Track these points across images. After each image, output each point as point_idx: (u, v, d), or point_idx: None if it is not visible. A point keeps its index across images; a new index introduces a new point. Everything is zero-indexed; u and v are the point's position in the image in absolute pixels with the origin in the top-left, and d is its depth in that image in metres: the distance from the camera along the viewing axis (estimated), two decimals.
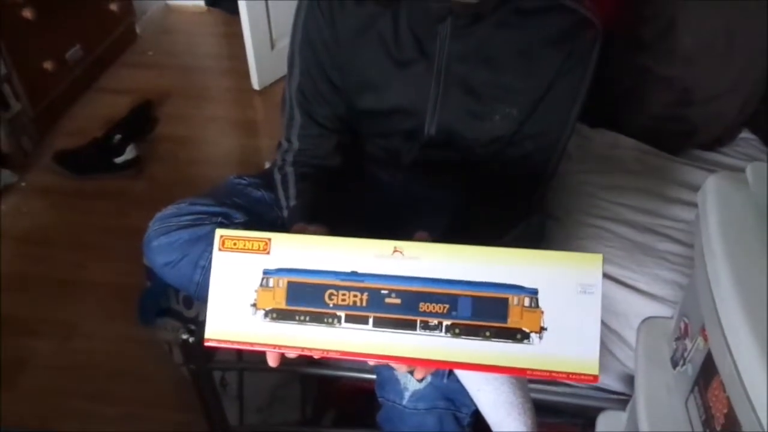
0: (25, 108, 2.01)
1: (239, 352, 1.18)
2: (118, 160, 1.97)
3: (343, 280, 0.60)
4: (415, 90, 0.89)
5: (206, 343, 0.62)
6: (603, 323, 0.94)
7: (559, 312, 0.56)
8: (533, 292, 0.57)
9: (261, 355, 0.65)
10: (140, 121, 2.15)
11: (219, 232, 0.62)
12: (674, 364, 0.63)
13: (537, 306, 0.57)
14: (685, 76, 1.15)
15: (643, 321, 0.75)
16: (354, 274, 0.60)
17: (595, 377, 0.55)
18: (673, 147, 1.17)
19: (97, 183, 1.98)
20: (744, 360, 0.45)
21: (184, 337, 1.04)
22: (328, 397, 1.31)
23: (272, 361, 0.65)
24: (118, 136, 2.00)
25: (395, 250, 0.59)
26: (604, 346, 0.95)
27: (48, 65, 2.10)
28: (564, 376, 0.55)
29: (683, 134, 1.17)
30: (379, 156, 1.01)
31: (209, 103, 2.40)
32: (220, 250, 0.62)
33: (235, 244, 0.62)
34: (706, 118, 1.15)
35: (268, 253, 0.61)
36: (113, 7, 2.45)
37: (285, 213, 0.91)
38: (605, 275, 0.98)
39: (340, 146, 0.96)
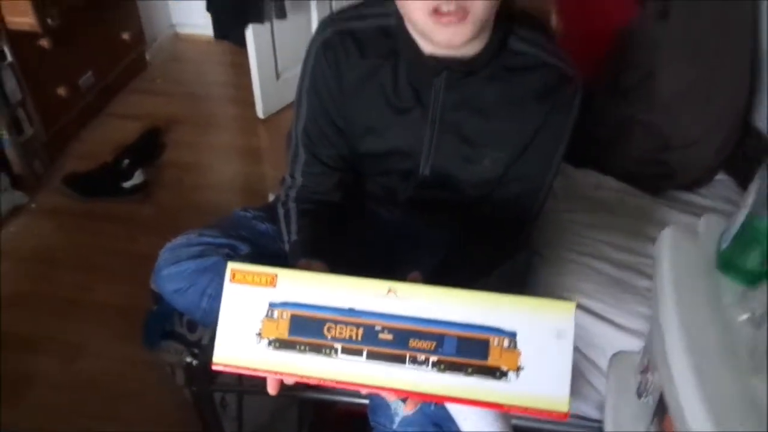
0: (38, 132, 2.08)
1: (240, 375, 1.23)
2: (127, 184, 2.04)
3: (341, 315, 0.65)
4: (412, 135, 0.96)
5: (214, 368, 0.67)
6: (582, 354, 1.01)
7: (535, 353, 0.61)
8: (512, 335, 0.62)
9: (261, 379, 0.70)
10: (148, 146, 2.23)
11: (231, 266, 0.67)
12: (639, 395, 0.69)
13: (515, 347, 0.62)
14: (663, 122, 1.22)
15: (614, 354, 0.81)
16: (351, 310, 0.65)
17: (565, 414, 0.60)
18: (653, 188, 1.24)
19: (105, 206, 2.04)
20: (686, 400, 0.51)
21: (188, 360, 1.10)
22: (325, 421, 1.35)
23: (272, 390, 0.70)
24: (126, 161, 2.08)
25: (389, 291, 0.65)
26: (582, 376, 1.01)
27: (61, 91, 2.18)
28: (537, 412, 0.60)
29: (662, 176, 1.24)
30: (378, 193, 1.07)
31: (215, 130, 2.47)
32: (230, 282, 0.67)
33: (244, 277, 0.67)
34: (684, 162, 1.22)
35: (275, 287, 0.66)
36: (125, 36, 2.53)
37: (287, 246, 0.96)
38: (586, 309, 1.05)
39: (341, 183, 1.02)
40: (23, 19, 1.87)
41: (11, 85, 1.93)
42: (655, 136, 1.23)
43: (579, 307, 1.05)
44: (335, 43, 0.93)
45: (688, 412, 0.51)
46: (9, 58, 1.90)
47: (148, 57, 2.78)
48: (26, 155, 2.03)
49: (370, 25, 0.94)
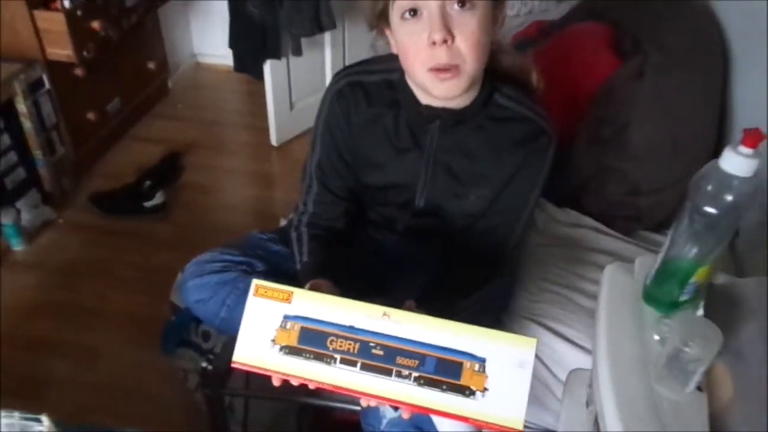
0: (68, 153, 2.23)
1: (246, 381, 1.36)
2: (147, 204, 2.18)
3: (342, 331, 0.77)
4: (410, 171, 1.10)
5: (233, 365, 0.79)
6: (552, 374, 1.14)
7: (500, 378, 0.73)
8: (482, 361, 0.74)
9: (268, 379, 0.81)
10: (169, 169, 2.37)
11: (255, 282, 0.79)
12: (587, 406, 0.82)
13: (484, 371, 0.73)
14: (635, 170, 1.35)
15: (571, 371, 0.94)
16: (351, 327, 0.77)
17: None
18: (624, 228, 1.36)
19: (127, 224, 2.17)
20: (604, 402, 0.64)
21: (204, 365, 1.23)
22: (322, 427, 1.47)
23: (276, 383, 0.82)
24: (148, 183, 2.22)
25: (384, 314, 0.77)
26: (550, 392, 1.14)
27: (91, 116, 2.33)
28: (496, 427, 0.72)
29: (633, 218, 1.37)
30: (379, 221, 1.22)
31: (231, 155, 2.60)
32: (254, 295, 0.79)
33: (266, 292, 0.79)
34: (653, 206, 1.35)
35: (290, 302, 0.79)
36: (151, 65, 2.69)
37: (298, 266, 1.10)
38: (558, 334, 1.18)
39: (347, 212, 1.17)
40: (62, 51, 2.03)
41: (47, 110, 2.09)
42: (628, 182, 1.36)
43: (552, 331, 1.18)
44: (347, 93, 1.08)
45: (605, 411, 0.64)
46: (47, 85, 2.07)
47: (170, 84, 2.92)
48: (56, 173, 2.18)
49: (376, 78, 1.09)
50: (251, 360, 0.79)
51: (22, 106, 1.99)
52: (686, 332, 0.62)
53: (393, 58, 1.05)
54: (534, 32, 1.92)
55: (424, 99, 1.04)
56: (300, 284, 1.02)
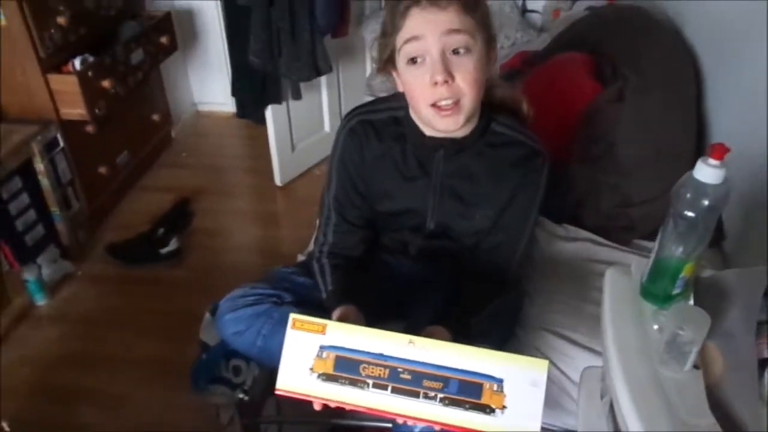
0: (82, 207, 2.30)
1: (278, 409, 1.43)
2: (163, 251, 2.25)
3: (373, 358, 0.85)
4: (419, 197, 1.21)
5: (277, 392, 0.88)
6: (566, 376, 1.22)
7: (516, 397, 0.81)
8: (500, 381, 0.82)
9: (307, 403, 0.89)
10: (180, 216, 2.46)
11: (293, 316, 0.88)
12: (601, 398, 0.91)
13: (502, 391, 0.82)
14: (625, 184, 1.46)
15: (584, 369, 1.03)
16: (381, 355, 0.86)
17: None
18: (620, 238, 1.46)
19: (144, 271, 2.23)
20: (616, 385, 0.73)
21: (240, 396, 1.31)
22: None
23: (317, 407, 0.91)
24: (161, 230, 2.30)
25: (410, 342, 0.86)
26: (566, 394, 1.22)
27: (102, 170, 2.43)
28: None
29: (627, 229, 1.47)
30: (392, 246, 1.32)
31: (237, 198, 2.69)
32: (291, 328, 0.88)
33: (302, 325, 0.88)
34: (644, 216, 1.45)
35: (325, 334, 0.87)
36: (155, 117, 2.80)
37: (324, 295, 1.20)
38: (569, 339, 1.27)
39: (364, 239, 1.27)
40: (75, 110, 2.13)
41: (62, 167, 2.18)
42: (620, 195, 1.47)
43: (563, 338, 1.27)
44: (358, 131, 1.20)
45: (619, 396, 0.72)
46: (61, 144, 2.16)
47: (173, 134, 3.02)
48: (73, 228, 2.25)
49: (383, 116, 1.21)
50: (293, 387, 0.87)
51: (40, 166, 2.08)
52: (680, 319, 0.71)
53: (396, 98, 1.18)
54: (518, 63, 2.05)
55: (428, 131, 1.15)
56: (327, 312, 1.12)
